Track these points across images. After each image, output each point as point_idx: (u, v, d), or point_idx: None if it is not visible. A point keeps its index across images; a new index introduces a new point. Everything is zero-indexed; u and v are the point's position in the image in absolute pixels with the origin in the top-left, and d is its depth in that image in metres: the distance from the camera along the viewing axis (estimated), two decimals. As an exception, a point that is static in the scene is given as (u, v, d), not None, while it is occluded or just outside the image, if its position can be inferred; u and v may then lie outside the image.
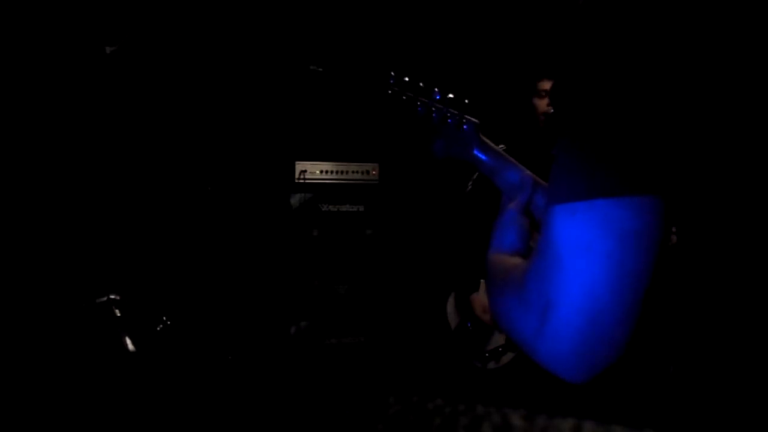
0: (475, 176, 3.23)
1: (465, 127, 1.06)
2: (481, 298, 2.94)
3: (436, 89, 1.09)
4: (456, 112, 1.08)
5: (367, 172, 3.93)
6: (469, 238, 3.15)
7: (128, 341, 2.21)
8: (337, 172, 3.90)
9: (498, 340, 2.91)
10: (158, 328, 2.51)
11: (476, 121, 1.07)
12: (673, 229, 0.65)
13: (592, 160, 0.59)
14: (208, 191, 3.31)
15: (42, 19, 2.52)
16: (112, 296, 2.31)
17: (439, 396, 0.42)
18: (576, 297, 0.60)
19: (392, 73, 1.14)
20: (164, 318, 2.55)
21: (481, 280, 3.00)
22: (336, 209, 3.87)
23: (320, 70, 3.85)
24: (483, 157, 1.07)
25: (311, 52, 3.90)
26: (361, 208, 3.89)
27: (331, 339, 3.76)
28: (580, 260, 0.60)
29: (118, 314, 2.26)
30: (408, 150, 4.04)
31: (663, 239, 0.60)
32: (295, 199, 3.82)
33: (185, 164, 3.30)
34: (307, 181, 3.85)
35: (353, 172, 3.92)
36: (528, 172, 1.03)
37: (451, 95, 1.08)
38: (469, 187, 3.22)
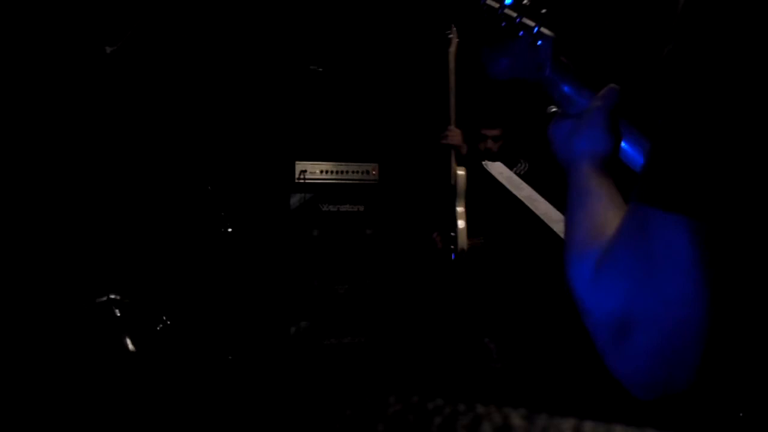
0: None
1: (540, 42, 0.87)
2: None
3: None
4: (531, 23, 0.88)
5: (367, 172, 3.93)
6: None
7: (128, 341, 2.21)
8: (337, 172, 3.90)
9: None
10: (158, 328, 2.50)
11: (552, 35, 0.88)
12: None
13: (688, 172, 0.54)
14: (208, 191, 3.31)
15: (42, 19, 2.52)
16: (112, 296, 2.31)
17: (439, 396, 0.42)
18: (665, 323, 0.56)
19: None
20: (164, 318, 2.55)
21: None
22: (336, 209, 3.87)
23: (320, 70, 3.84)
24: (558, 81, 0.87)
25: (311, 52, 3.90)
26: (361, 208, 3.89)
27: (331, 339, 3.76)
28: (679, 283, 0.55)
29: (118, 314, 2.26)
30: (408, 150, 4.04)
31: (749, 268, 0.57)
32: (295, 199, 3.82)
33: (185, 164, 3.30)
34: (307, 181, 3.85)
35: (353, 172, 3.92)
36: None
37: (526, 1, 0.88)
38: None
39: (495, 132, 3.28)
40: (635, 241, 0.58)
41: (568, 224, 0.76)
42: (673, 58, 0.59)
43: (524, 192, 2.53)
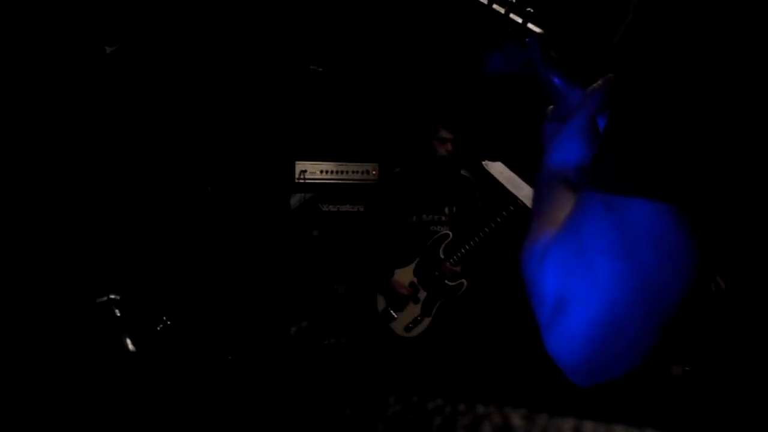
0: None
1: (527, 39, 0.90)
2: (396, 278, 3.25)
3: None
4: (518, 19, 0.90)
5: (367, 172, 3.93)
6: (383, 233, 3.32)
7: (128, 341, 2.21)
8: (337, 172, 3.90)
9: (415, 311, 3.23)
10: (158, 328, 2.51)
11: (540, 31, 0.90)
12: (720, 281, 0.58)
13: (641, 156, 0.52)
14: (208, 191, 3.31)
15: (42, 19, 2.52)
16: (112, 296, 2.31)
17: (439, 396, 0.42)
18: (594, 303, 0.55)
19: None
20: (164, 318, 2.55)
21: (395, 270, 3.27)
22: (336, 209, 3.87)
23: (320, 70, 3.84)
24: (549, 76, 0.89)
25: (311, 52, 3.90)
26: (361, 208, 3.89)
27: (331, 339, 3.76)
28: (606, 263, 0.54)
29: (118, 314, 2.26)
30: (408, 150, 4.03)
31: (700, 268, 0.54)
32: (295, 199, 3.82)
33: (185, 164, 3.30)
34: (307, 181, 3.85)
35: (353, 172, 3.92)
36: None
37: None
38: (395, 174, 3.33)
39: (450, 135, 3.18)
40: (574, 224, 0.58)
41: (532, 211, 0.77)
42: (626, 44, 0.58)
43: (524, 192, 2.53)
